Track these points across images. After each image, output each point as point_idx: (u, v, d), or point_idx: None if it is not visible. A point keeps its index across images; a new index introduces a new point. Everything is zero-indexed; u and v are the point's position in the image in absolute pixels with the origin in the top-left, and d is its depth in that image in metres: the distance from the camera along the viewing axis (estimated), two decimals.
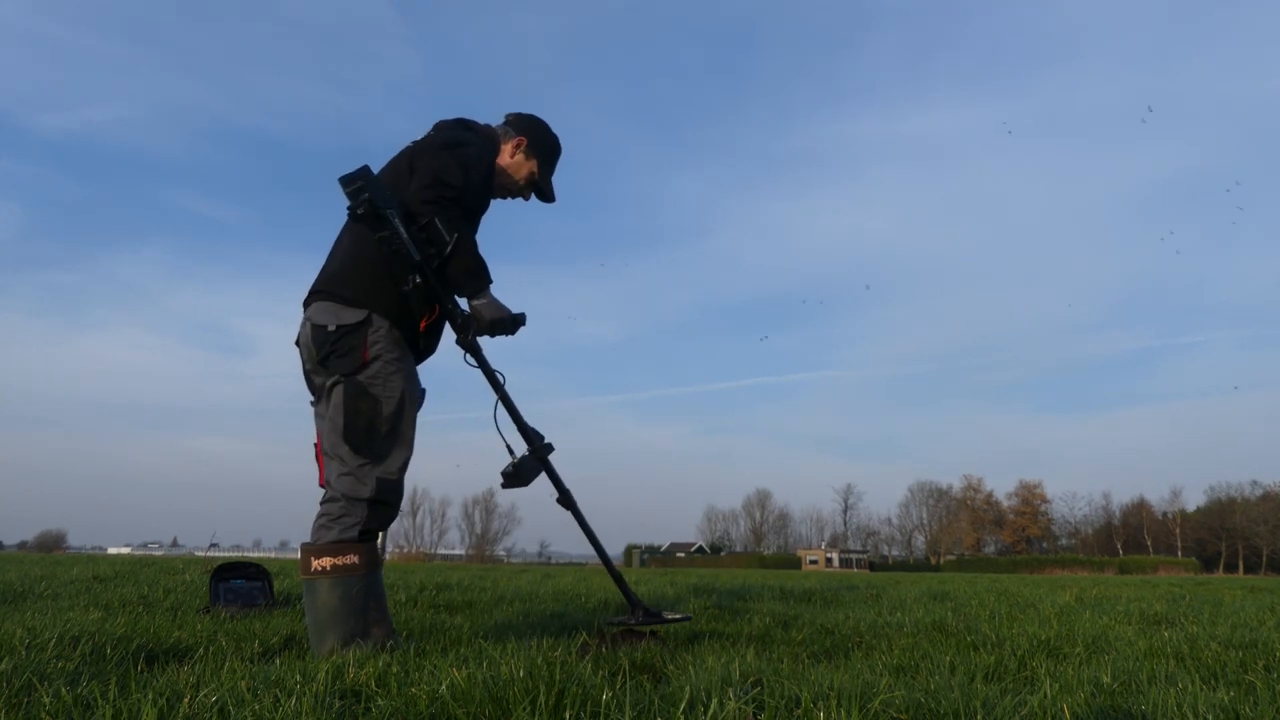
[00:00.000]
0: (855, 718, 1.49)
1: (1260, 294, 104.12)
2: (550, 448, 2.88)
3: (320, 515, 2.57)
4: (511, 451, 2.80)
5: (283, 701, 1.53)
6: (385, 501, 2.57)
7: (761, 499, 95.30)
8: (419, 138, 2.86)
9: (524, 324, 2.76)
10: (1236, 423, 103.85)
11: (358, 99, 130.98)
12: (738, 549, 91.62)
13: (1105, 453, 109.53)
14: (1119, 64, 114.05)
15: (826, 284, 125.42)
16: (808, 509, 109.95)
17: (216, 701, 1.52)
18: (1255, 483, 79.66)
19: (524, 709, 1.52)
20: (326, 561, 2.49)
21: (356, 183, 2.48)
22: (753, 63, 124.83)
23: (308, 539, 2.56)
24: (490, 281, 2.71)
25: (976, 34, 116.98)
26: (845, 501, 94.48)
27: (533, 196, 3.08)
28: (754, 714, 1.55)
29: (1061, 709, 1.59)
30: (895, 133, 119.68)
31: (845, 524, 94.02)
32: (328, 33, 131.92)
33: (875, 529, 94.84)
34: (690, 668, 2.14)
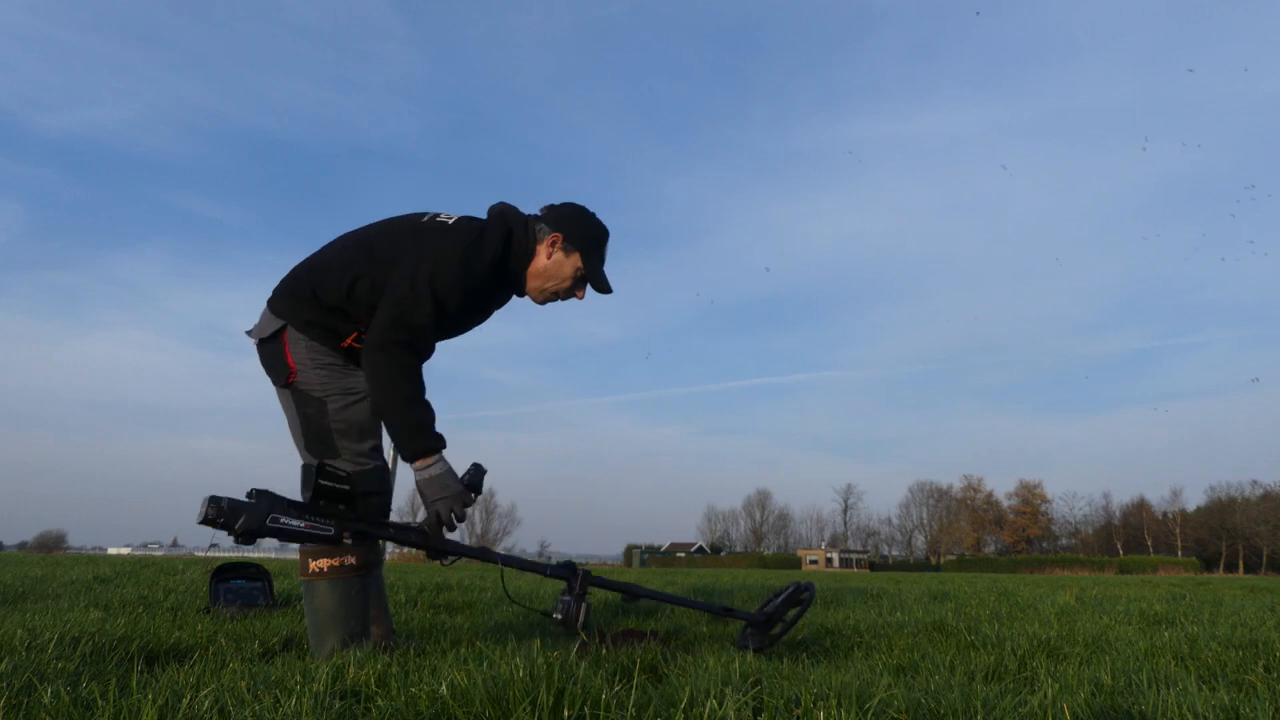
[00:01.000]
0: (855, 718, 1.49)
1: (1260, 294, 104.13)
2: (585, 576, 2.61)
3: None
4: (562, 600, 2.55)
5: (283, 702, 1.53)
6: (370, 492, 2.55)
7: (761, 499, 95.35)
8: (443, 220, 2.63)
9: (479, 491, 2.50)
10: (1236, 423, 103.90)
11: (359, 99, 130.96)
12: (738, 549, 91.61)
13: (1105, 453, 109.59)
14: (1119, 65, 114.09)
15: (827, 284, 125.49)
16: (808, 509, 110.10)
17: (216, 702, 1.52)
18: (1255, 483, 79.71)
19: (524, 709, 1.52)
20: (324, 563, 2.49)
21: (219, 520, 2.22)
22: (754, 64, 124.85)
23: None
24: (433, 447, 2.42)
25: (977, 36, 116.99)
26: (845, 501, 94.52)
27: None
28: (754, 714, 1.55)
29: (1061, 709, 1.59)
30: (896, 134, 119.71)
31: (845, 524, 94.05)
32: (328, 33, 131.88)
33: (875, 529, 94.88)
34: (690, 668, 2.14)
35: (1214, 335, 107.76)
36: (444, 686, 1.63)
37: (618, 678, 1.86)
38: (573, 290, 2.74)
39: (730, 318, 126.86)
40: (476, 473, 2.56)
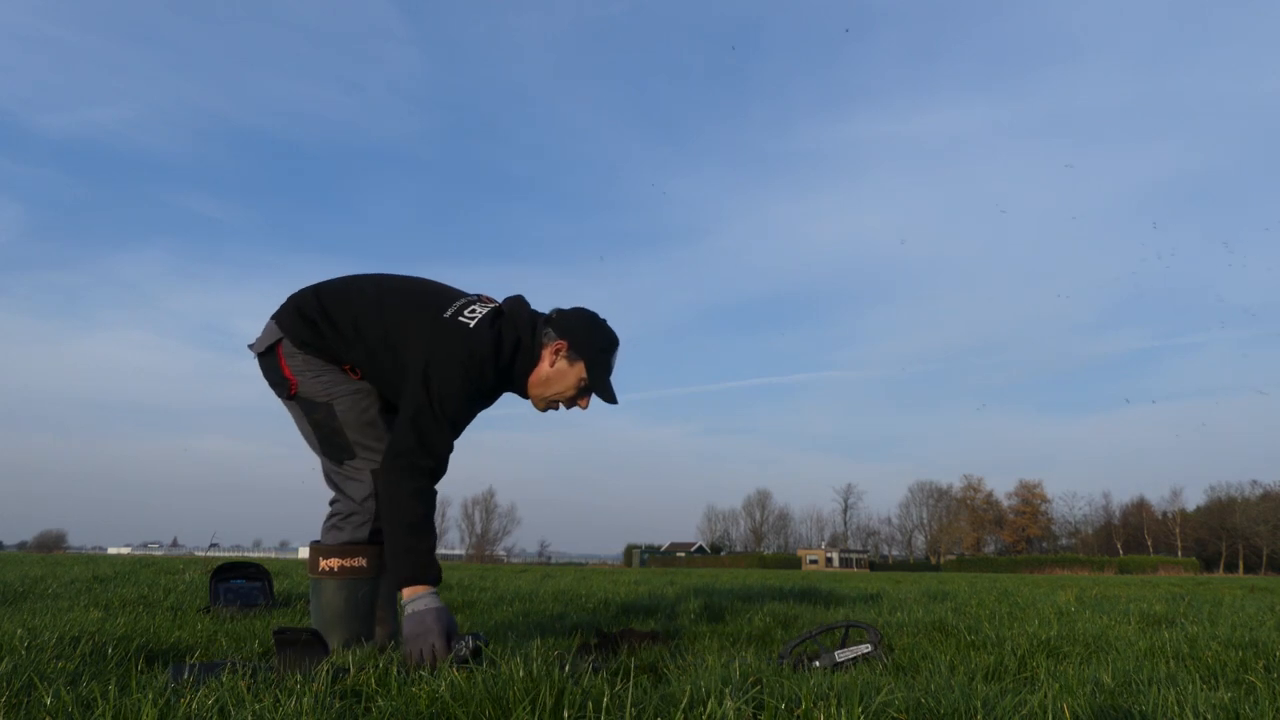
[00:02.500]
0: (855, 718, 1.49)
1: (1260, 294, 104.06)
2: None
3: (330, 515, 2.58)
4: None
5: (283, 701, 1.53)
6: None
7: (761, 499, 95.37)
8: (464, 321, 2.46)
9: (468, 661, 2.05)
10: (1236, 423, 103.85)
11: (359, 99, 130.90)
12: (738, 549, 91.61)
13: (1105, 453, 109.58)
14: (1119, 65, 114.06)
15: (827, 284, 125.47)
16: (808, 509, 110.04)
17: (216, 701, 1.52)
18: (1255, 483, 79.72)
19: (524, 709, 1.52)
20: (335, 562, 2.49)
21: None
22: (754, 64, 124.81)
23: (318, 537, 2.57)
24: (423, 579, 2.27)
25: (977, 36, 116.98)
26: (845, 501, 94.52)
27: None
28: (754, 714, 1.55)
29: (1061, 709, 1.59)
30: (896, 134, 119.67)
31: (845, 524, 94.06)
32: (329, 32, 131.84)
33: (875, 529, 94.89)
34: (690, 668, 2.14)
35: (1214, 335, 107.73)
36: (444, 686, 1.63)
37: (618, 678, 1.86)
38: (575, 400, 2.59)
39: (730, 318, 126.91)
40: (473, 642, 2.15)
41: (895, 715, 1.55)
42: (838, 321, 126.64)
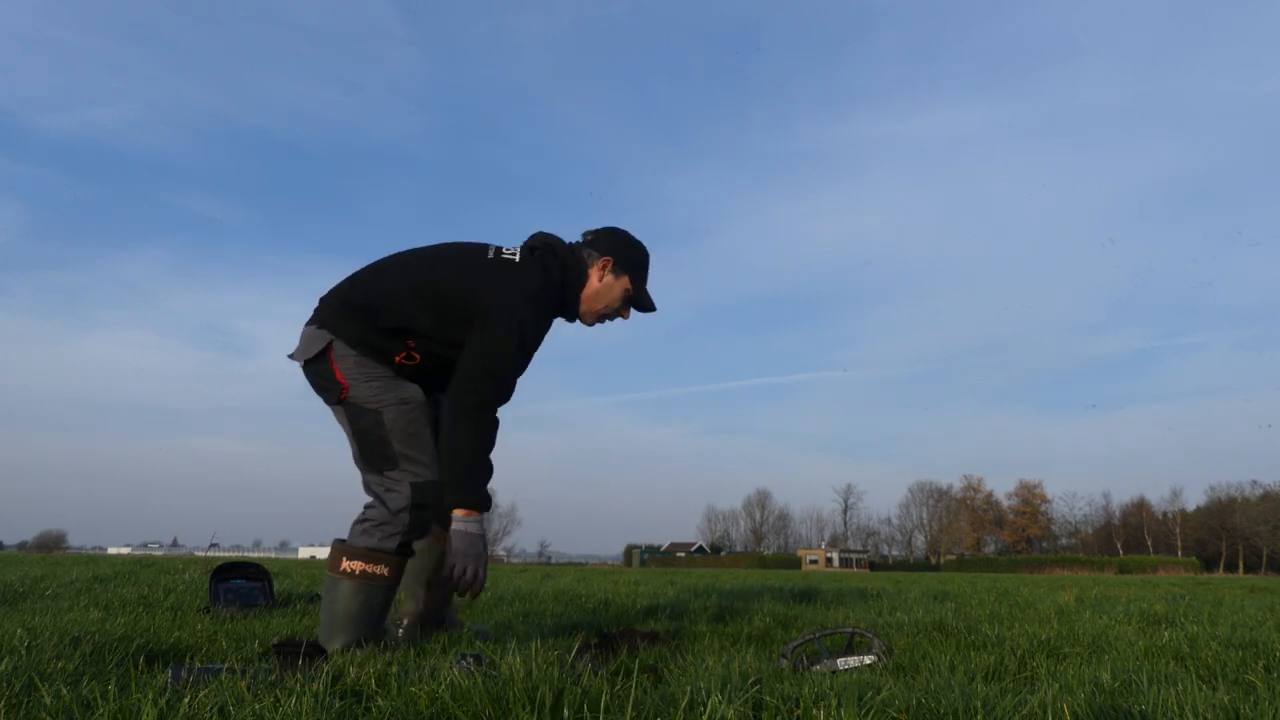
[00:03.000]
0: (855, 718, 1.49)
1: (1260, 294, 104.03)
2: None
3: (362, 519, 2.59)
4: None
5: (283, 701, 1.53)
6: (425, 505, 2.56)
7: (761, 499, 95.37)
8: (508, 257, 2.63)
9: (481, 576, 2.39)
10: (1237, 423, 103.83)
11: (359, 99, 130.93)
12: (738, 549, 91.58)
13: (1105, 453, 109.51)
14: (1119, 65, 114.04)
15: (827, 284, 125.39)
16: (808, 509, 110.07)
17: (216, 701, 1.52)
18: (1255, 483, 79.68)
19: (524, 709, 1.52)
20: (357, 565, 2.51)
21: None
22: (755, 64, 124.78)
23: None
24: (480, 503, 2.44)
25: (978, 36, 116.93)
26: (845, 501, 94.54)
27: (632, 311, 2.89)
28: (754, 714, 1.55)
29: (1061, 709, 1.59)
30: (896, 134, 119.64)
31: (845, 524, 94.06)
32: (329, 32, 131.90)
33: (875, 529, 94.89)
34: (690, 668, 2.14)
35: (1214, 335, 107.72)
36: (444, 687, 1.63)
37: (618, 678, 1.86)
38: (620, 311, 2.84)
39: (730, 318, 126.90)
40: (472, 663, 2.25)
41: (895, 715, 1.55)
42: (838, 321, 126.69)
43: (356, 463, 2.63)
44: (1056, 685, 1.91)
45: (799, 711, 1.53)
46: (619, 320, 2.87)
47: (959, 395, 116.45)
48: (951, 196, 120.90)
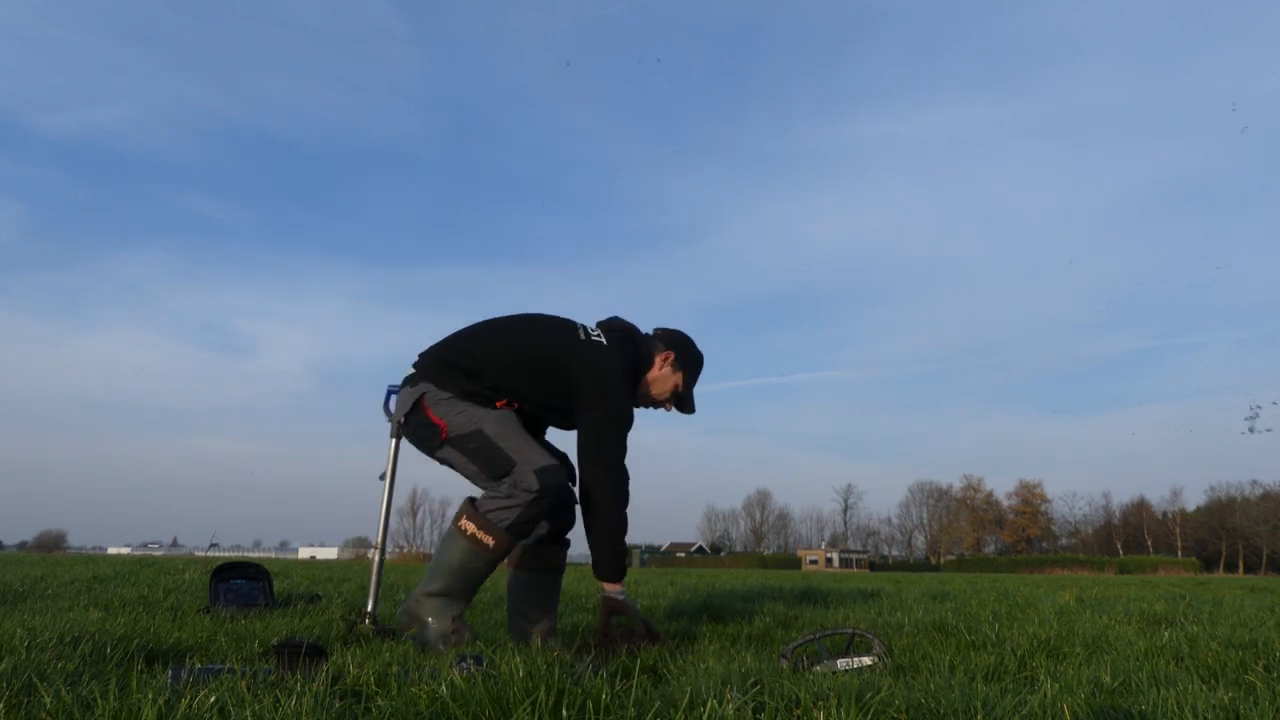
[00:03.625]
0: (855, 718, 1.49)
1: (1260, 294, 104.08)
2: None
3: (494, 491, 2.74)
4: None
5: (283, 701, 1.53)
6: (551, 488, 2.71)
7: (761, 499, 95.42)
8: (597, 339, 2.91)
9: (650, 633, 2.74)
10: (1236, 423, 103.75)
11: (359, 99, 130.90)
12: (738, 549, 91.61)
13: (1105, 453, 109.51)
14: (1119, 65, 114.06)
15: (827, 284, 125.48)
16: (808, 509, 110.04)
17: (216, 701, 1.52)
18: (1255, 483, 79.67)
19: (524, 709, 1.52)
20: (470, 527, 2.69)
21: None
22: (754, 64, 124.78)
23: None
24: (623, 572, 2.80)
25: (978, 36, 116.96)
26: (845, 501, 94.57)
27: (673, 408, 3.15)
28: (754, 714, 1.55)
29: (1061, 709, 1.59)
30: (896, 134, 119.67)
31: (845, 524, 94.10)
32: (329, 33, 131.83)
33: (875, 529, 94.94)
34: (690, 668, 2.14)
35: (1214, 335, 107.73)
36: (444, 687, 1.63)
37: (618, 678, 1.86)
38: (665, 403, 3.10)
39: (730, 318, 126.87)
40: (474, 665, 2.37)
41: (895, 715, 1.55)
42: (838, 321, 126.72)
43: (480, 484, 2.81)
44: (1056, 685, 1.91)
45: (799, 711, 1.53)
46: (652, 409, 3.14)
47: (959, 395, 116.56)
48: (951, 196, 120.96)
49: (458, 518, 2.72)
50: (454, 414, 2.79)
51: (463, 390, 2.79)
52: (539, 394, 2.84)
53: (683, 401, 3.11)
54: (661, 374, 3.03)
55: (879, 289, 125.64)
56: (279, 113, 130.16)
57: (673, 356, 3.04)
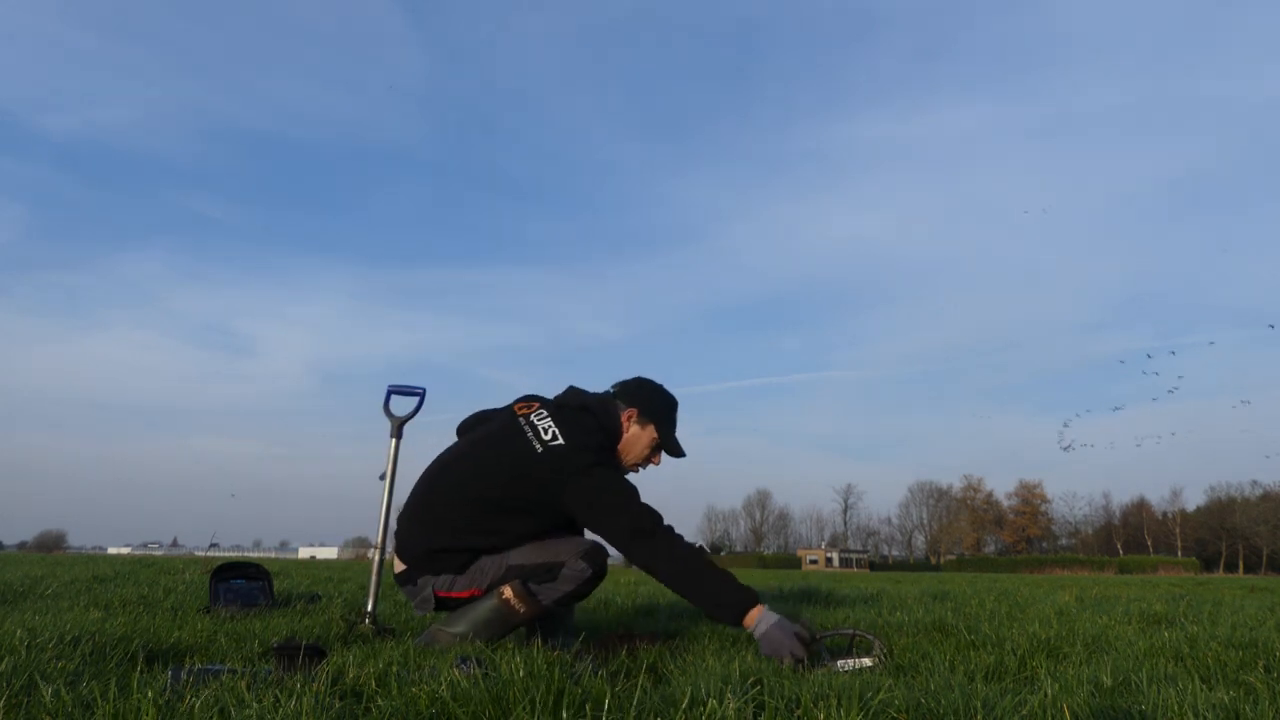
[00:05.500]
0: (855, 717, 1.49)
1: (1260, 294, 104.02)
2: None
3: (554, 584, 2.68)
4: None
5: (283, 701, 1.53)
6: (601, 572, 2.71)
7: (761, 499, 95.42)
8: (560, 447, 2.63)
9: (813, 642, 2.33)
10: (1236, 423, 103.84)
11: (362, 99, 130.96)
12: (738, 549, 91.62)
13: (1105, 453, 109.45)
14: (1120, 65, 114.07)
15: (828, 284, 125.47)
16: (808, 509, 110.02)
17: (216, 701, 1.52)
18: (1255, 483, 79.73)
19: (524, 709, 1.52)
20: (510, 593, 2.64)
21: None
22: (755, 64, 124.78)
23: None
24: (754, 598, 2.45)
25: (978, 37, 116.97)
26: (845, 501, 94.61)
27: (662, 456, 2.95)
28: (754, 714, 1.55)
29: (1061, 709, 1.59)
30: (897, 134, 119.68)
31: (845, 524, 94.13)
32: (331, 34, 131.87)
33: (875, 529, 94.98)
34: (690, 668, 2.14)
35: (1213, 335, 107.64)
36: (444, 686, 1.63)
37: (618, 678, 1.86)
38: (649, 459, 2.88)
39: (730, 318, 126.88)
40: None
41: (895, 715, 1.55)
42: (838, 321, 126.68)
43: (563, 605, 2.75)
44: (1056, 685, 1.91)
45: (799, 711, 1.53)
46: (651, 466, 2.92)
47: (959, 395, 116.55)
48: (951, 197, 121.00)
49: (501, 590, 2.63)
50: (474, 579, 2.67)
51: (462, 565, 2.68)
52: (525, 526, 2.69)
53: (668, 449, 2.90)
54: (631, 435, 2.82)
55: (879, 289, 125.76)
56: (280, 113, 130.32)
57: (636, 413, 2.83)
